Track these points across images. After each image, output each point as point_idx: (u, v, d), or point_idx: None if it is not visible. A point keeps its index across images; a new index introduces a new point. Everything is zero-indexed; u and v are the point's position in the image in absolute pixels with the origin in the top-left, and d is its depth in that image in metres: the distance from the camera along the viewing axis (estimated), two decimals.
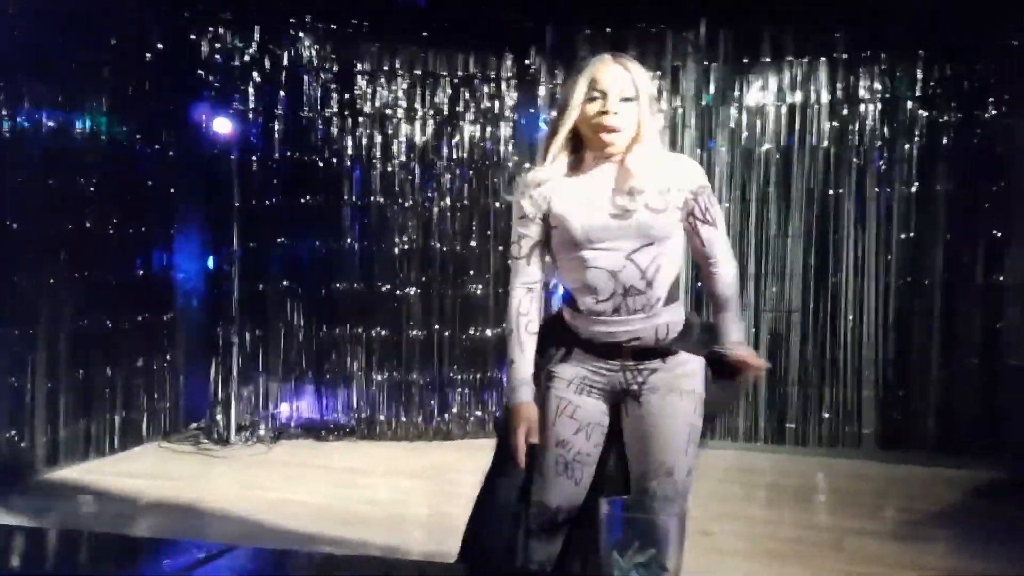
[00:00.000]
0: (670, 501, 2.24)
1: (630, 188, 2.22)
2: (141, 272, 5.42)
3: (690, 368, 2.32)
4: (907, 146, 5.28)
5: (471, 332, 5.79)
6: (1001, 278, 5.11)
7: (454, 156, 5.79)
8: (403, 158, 5.76)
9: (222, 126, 5.47)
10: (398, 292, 5.75)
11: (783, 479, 4.99)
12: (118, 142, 5.19)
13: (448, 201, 5.79)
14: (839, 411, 5.41)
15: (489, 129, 5.80)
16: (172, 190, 5.60)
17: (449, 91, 5.78)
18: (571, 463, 2.36)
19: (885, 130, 5.32)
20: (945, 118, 5.22)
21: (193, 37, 5.61)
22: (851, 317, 5.37)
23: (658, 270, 2.24)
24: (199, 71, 5.64)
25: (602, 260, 2.23)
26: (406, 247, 5.76)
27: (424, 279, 5.78)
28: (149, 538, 3.73)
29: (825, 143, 5.41)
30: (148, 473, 4.89)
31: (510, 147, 5.80)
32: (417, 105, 5.77)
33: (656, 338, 2.28)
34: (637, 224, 2.21)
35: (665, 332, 2.28)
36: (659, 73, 5.50)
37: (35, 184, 4.65)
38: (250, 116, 5.66)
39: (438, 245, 5.78)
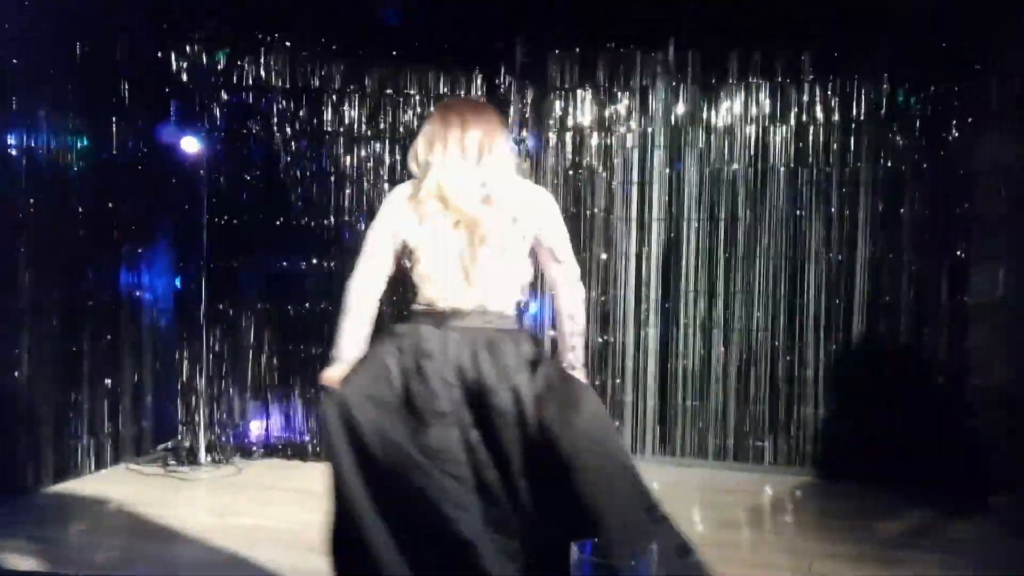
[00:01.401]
0: None
1: None
2: (108, 291, 5.34)
3: None
4: (873, 167, 5.33)
5: None
6: (965, 298, 5.18)
7: None
8: (373, 177, 5.74)
9: (191, 145, 5.43)
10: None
11: (752, 500, 5.02)
12: (85, 160, 5.12)
13: None
14: (808, 430, 5.45)
15: None
16: (140, 209, 5.53)
17: (419, 110, 5.76)
18: None
19: (851, 151, 5.37)
20: (910, 140, 5.28)
21: (161, 55, 5.56)
22: (820, 336, 5.42)
23: None
24: (168, 88, 5.58)
25: None
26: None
27: (394, 298, 5.73)
28: None
29: (792, 164, 5.45)
30: (115, 497, 4.81)
31: None
32: (387, 124, 5.75)
33: None
34: None
35: None
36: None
37: None
38: (220, 134, 5.60)
39: (408, 263, 5.74)
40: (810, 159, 5.43)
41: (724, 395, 5.57)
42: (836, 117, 5.39)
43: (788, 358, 5.47)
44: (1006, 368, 4.93)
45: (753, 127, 5.51)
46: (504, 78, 5.73)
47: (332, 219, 5.69)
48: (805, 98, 5.43)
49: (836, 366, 5.40)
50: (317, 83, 5.72)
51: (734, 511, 4.81)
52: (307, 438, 5.74)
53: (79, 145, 5.08)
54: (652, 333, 5.65)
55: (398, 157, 5.73)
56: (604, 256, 5.71)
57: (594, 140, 5.72)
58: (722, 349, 5.56)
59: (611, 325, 5.70)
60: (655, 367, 5.65)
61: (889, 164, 5.31)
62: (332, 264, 5.70)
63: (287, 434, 5.78)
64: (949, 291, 5.22)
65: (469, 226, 2.68)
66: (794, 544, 4.28)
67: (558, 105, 5.75)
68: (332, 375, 2.74)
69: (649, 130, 5.64)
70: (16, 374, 4.69)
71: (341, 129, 5.73)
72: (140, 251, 5.58)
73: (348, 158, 5.73)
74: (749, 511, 4.84)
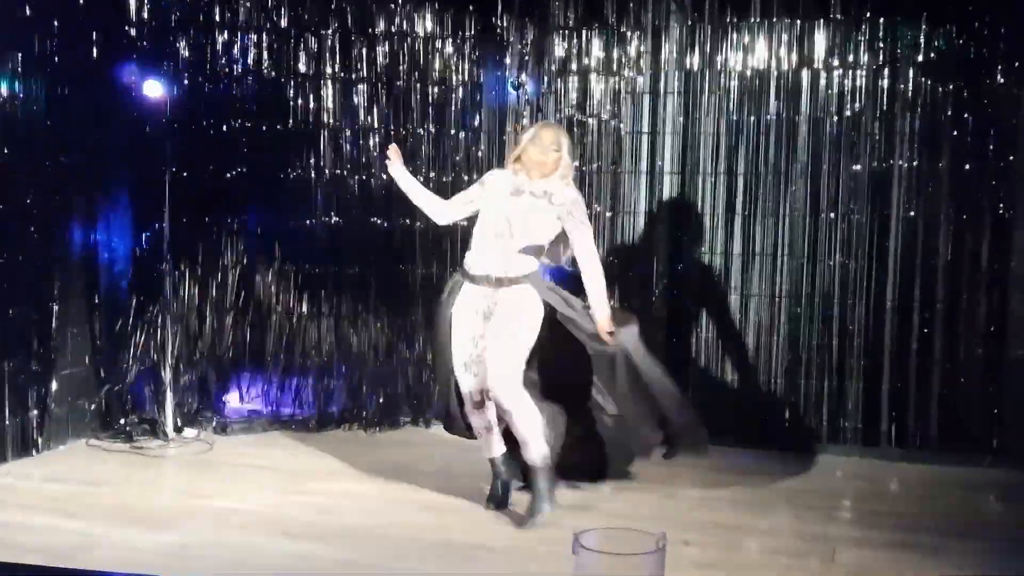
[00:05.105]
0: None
1: (531, 188, 3.93)
2: (59, 251, 4.95)
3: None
4: (909, 117, 4.93)
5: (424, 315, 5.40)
6: (1011, 262, 4.81)
7: (413, 121, 5.42)
8: (356, 124, 5.39)
9: (153, 89, 5.01)
10: (348, 272, 5.44)
11: (771, 481, 4.65)
12: (33, 104, 4.69)
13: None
14: (832, 405, 5.08)
15: (451, 92, 5.45)
16: (96, 160, 5.11)
17: (408, 51, 5.40)
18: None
19: (884, 99, 4.95)
20: (949, 87, 4.86)
21: None
22: (849, 302, 5.03)
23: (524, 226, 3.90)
24: (128, 27, 5.16)
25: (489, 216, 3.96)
26: (357, 223, 5.43)
27: (373, 257, 5.44)
28: (64, 570, 3.36)
29: (818, 113, 5.04)
30: (73, 477, 4.49)
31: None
32: (375, 66, 5.38)
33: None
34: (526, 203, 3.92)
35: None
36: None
37: None
38: (183, 79, 5.23)
39: (391, 221, 5.41)
40: (837, 108, 5.02)
41: (740, 366, 5.19)
42: (867, 61, 4.97)
43: (812, 327, 5.09)
44: None
45: (775, 72, 5.08)
46: (501, 16, 5.35)
47: (307, 171, 5.39)
48: (833, 40, 5.01)
49: (866, 335, 5.01)
50: (291, 22, 5.33)
51: (751, 494, 4.48)
52: (286, 411, 5.45)
53: (26, 88, 4.64)
54: (661, 298, 5.27)
55: (383, 101, 5.40)
56: (610, 213, 5.33)
57: (600, 85, 5.34)
58: (739, 315, 5.18)
59: (617, 288, 5.30)
60: (664, 334, 5.25)
61: (927, 113, 4.90)
62: (309, 221, 5.42)
63: (262, 406, 5.49)
64: (990, 253, 4.85)
65: None
66: (815, 529, 4.00)
67: (560, 46, 5.35)
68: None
69: (661, 74, 5.23)
70: None
71: (318, 72, 5.37)
72: (97, 208, 5.19)
73: (327, 104, 5.39)
74: (768, 493, 4.50)
